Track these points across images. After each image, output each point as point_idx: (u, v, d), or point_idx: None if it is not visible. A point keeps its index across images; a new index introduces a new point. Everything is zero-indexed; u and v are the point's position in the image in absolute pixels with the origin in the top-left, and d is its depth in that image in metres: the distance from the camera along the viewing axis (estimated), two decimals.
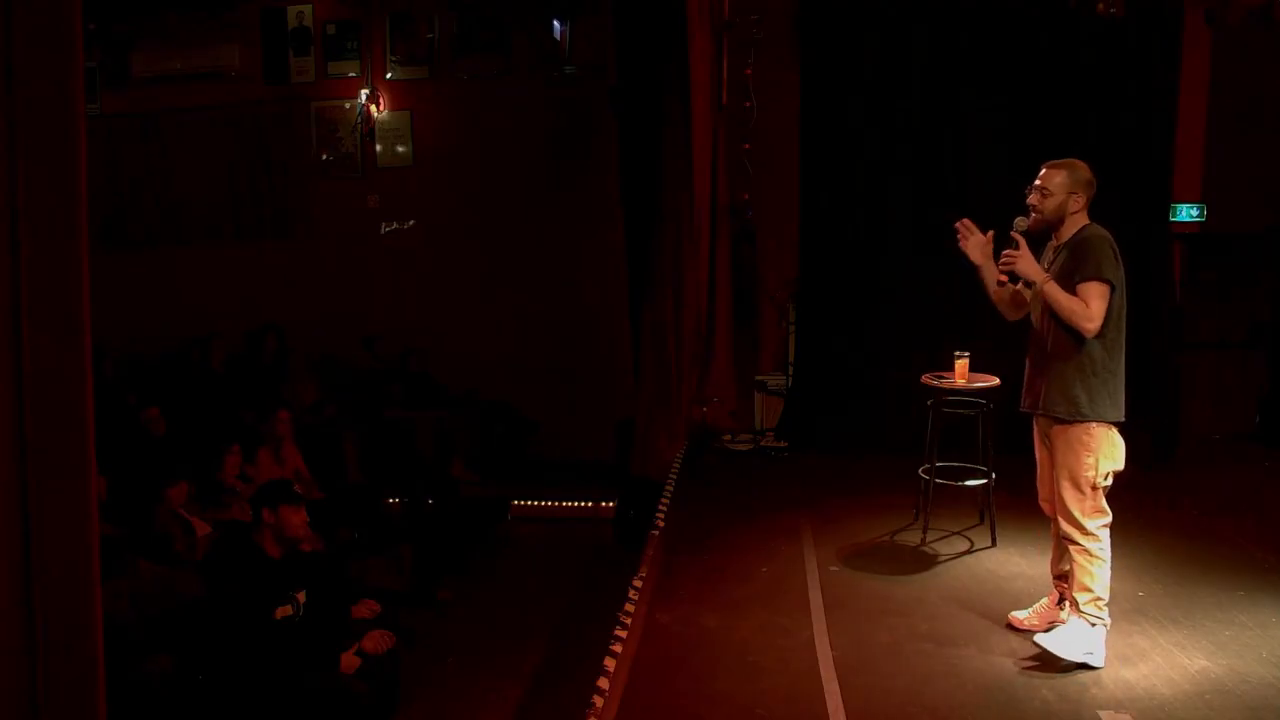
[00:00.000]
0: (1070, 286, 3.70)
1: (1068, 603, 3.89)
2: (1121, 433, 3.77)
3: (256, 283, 8.67)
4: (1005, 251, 3.83)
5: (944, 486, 5.29)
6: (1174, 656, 3.82)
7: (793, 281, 7.80)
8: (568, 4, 8.22)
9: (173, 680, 3.87)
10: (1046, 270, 3.81)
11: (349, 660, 3.93)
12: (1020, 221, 3.84)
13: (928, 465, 5.24)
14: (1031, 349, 3.98)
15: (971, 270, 4.11)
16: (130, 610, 4.13)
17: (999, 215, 3.98)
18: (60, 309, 1.63)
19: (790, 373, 7.82)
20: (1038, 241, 3.91)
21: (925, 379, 5.27)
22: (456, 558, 6.17)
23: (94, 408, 1.70)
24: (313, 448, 6.34)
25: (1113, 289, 3.66)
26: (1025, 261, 3.78)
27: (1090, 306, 3.64)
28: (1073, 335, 3.71)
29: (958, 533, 5.32)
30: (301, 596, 4.00)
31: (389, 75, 8.65)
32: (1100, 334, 3.68)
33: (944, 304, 7.21)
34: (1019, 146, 7.07)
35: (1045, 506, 4.05)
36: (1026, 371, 4.00)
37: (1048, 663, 3.75)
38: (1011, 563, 4.90)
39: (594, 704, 3.35)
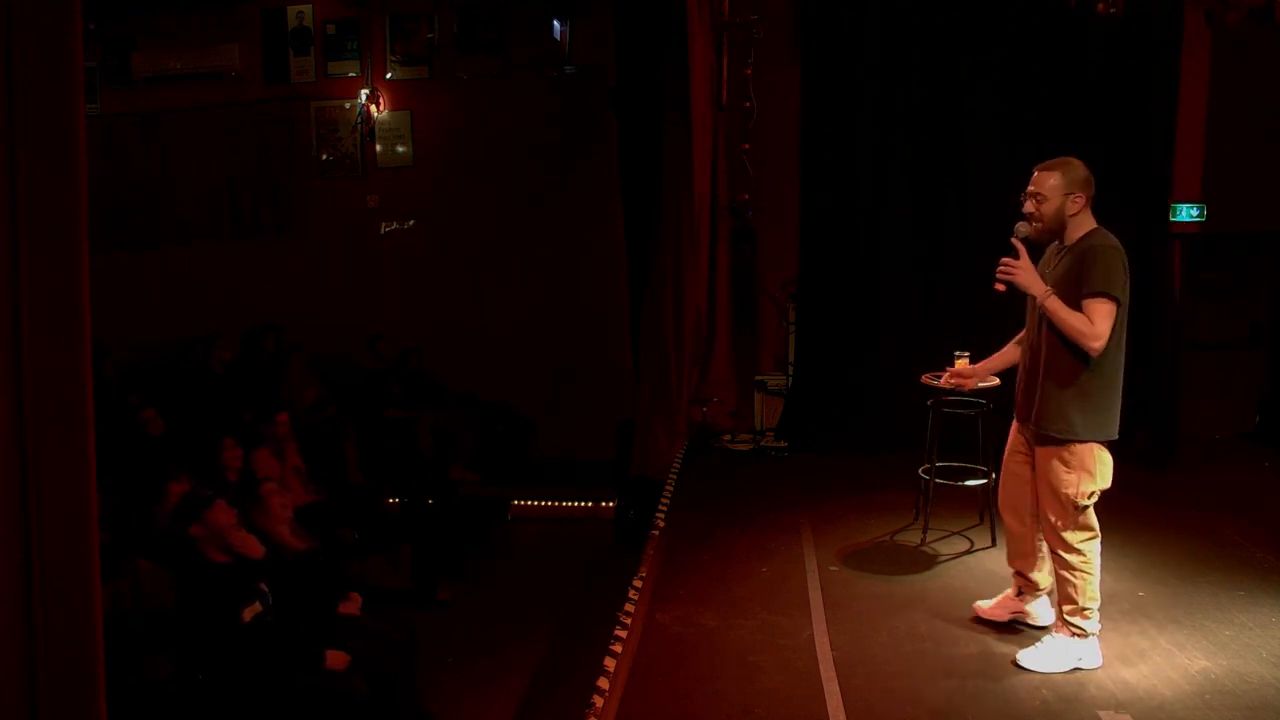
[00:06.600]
0: (1074, 298, 3.50)
1: (1028, 595, 3.99)
2: (1121, 432, 3.70)
3: (256, 283, 8.68)
4: (1003, 260, 3.61)
5: (944, 486, 5.29)
6: (1174, 656, 3.82)
7: (793, 281, 7.79)
8: (568, 4, 8.22)
9: (173, 680, 3.86)
10: (1047, 274, 3.65)
11: (335, 656, 3.90)
12: (1021, 227, 3.64)
13: (928, 465, 5.24)
14: (1025, 358, 3.80)
15: (970, 270, 4.08)
16: (132, 610, 4.13)
17: (999, 215, 3.93)
18: (60, 309, 1.63)
19: (790, 373, 7.82)
20: (1039, 248, 3.73)
21: (925, 379, 5.26)
22: (456, 558, 6.17)
23: (94, 408, 1.70)
24: (313, 448, 6.34)
25: (1119, 306, 3.47)
26: (1025, 273, 3.59)
27: (1096, 325, 3.45)
28: (1073, 352, 3.53)
29: (958, 533, 5.32)
30: (264, 586, 3.96)
31: (389, 75, 8.66)
32: (1103, 351, 3.51)
33: (944, 303, 7.22)
34: (1019, 146, 7.06)
35: (1005, 513, 4.03)
36: (1019, 380, 3.83)
37: None
38: None
39: (594, 704, 3.35)
